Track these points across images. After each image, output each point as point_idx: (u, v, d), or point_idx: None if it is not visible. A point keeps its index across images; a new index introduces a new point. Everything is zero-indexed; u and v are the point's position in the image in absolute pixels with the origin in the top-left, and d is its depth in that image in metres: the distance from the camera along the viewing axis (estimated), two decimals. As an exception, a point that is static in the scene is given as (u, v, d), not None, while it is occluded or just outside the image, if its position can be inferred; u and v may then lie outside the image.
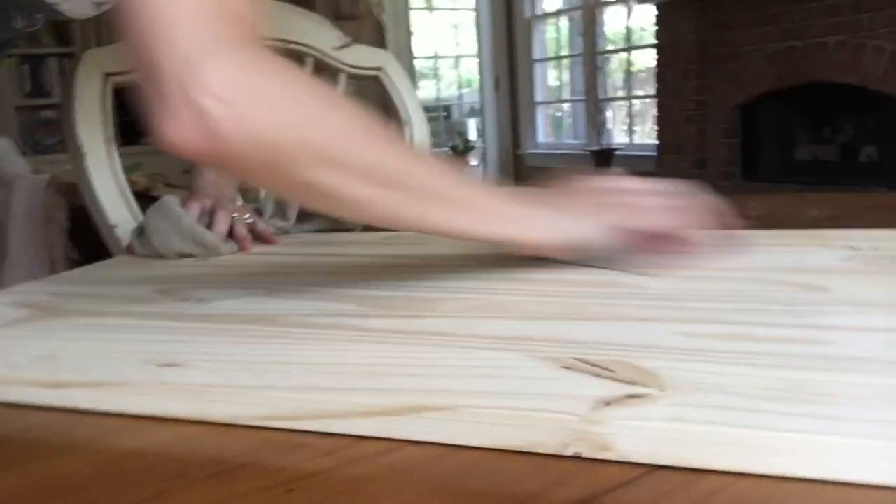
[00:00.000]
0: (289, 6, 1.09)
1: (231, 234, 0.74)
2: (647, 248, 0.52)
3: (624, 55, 4.83)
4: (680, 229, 0.53)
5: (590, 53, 4.91)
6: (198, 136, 0.42)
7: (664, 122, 4.17)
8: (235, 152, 0.43)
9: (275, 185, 0.48)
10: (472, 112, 5.74)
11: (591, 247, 0.52)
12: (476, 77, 5.63)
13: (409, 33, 5.17)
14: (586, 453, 0.29)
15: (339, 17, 4.48)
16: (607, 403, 0.30)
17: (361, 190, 0.46)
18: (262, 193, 0.95)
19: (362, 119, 0.48)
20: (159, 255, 0.71)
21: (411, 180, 0.49)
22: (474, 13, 5.49)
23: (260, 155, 0.44)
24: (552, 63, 5.43)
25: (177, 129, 0.42)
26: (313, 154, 0.45)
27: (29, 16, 0.66)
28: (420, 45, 5.32)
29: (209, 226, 0.73)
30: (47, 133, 4.52)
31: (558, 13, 5.29)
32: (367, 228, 0.84)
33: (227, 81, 0.42)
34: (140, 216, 0.89)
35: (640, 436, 0.29)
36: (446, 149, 5.13)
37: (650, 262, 0.52)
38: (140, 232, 0.73)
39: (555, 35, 5.36)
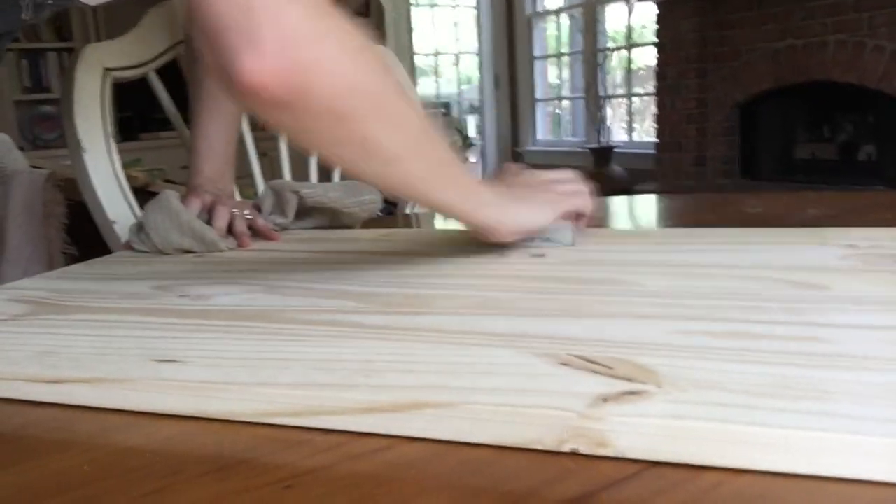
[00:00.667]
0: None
1: (230, 230, 0.74)
2: (573, 225, 0.64)
3: (624, 53, 4.83)
4: (586, 208, 0.65)
5: (590, 51, 4.91)
6: (278, 74, 0.42)
7: (664, 120, 4.17)
8: (313, 94, 0.44)
9: (329, 138, 0.48)
10: (472, 109, 5.74)
11: (543, 230, 0.62)
12: (476, 74, 5.63)
13: (409, 30, 5.17)
14: (584, 450, 0.29)
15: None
16: (605, 400, 0.30)
17: (403, 152, 0.51)
18: (261, 189, 0.95)
19: (402, 88, 0.51)
20: (158, 251, 0.71)
21: (435, 152, 0.54)
22: (475, 10, 5.49)
23: (333, 101, 0.46)
24: (552, 60, 5.43)
25: (258, 66, 0.42)
26: (380, 108, 0.48)
27: (38, 5, 0.66)
28: (420, 42, 5.32)
29: (208, 222, 0.73)
30: (46, 128, 4.52)
31: (559, 11, 5.28)
32: (366, 225, 0.84)
33: (308, 26, 0.44)
34: (139, 212, 0.89)
35: (638, 432, 0.29)
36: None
37: (574, 235, 0.63)
38: (139, 228, 0.72)
39: (555, 32, 5.36)
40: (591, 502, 0.26)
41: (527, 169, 0.67)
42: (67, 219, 1.29)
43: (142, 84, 1.00)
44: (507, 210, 0.60)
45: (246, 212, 0.77)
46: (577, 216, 0.65)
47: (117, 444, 0.33)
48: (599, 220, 0.64)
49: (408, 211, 1.15)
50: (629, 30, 4.73)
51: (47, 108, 4.50)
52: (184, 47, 0.97)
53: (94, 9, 4.41)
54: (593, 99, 4.90)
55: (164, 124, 1.11)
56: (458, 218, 0.58)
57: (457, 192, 0.56)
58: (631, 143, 4.77)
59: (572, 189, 0.65)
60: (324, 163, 0.55)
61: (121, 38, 0.97)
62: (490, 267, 0.57)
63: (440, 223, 0.90)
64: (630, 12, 4.64)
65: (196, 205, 0.75)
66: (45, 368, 0.39)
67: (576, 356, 0.36)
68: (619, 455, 0.29)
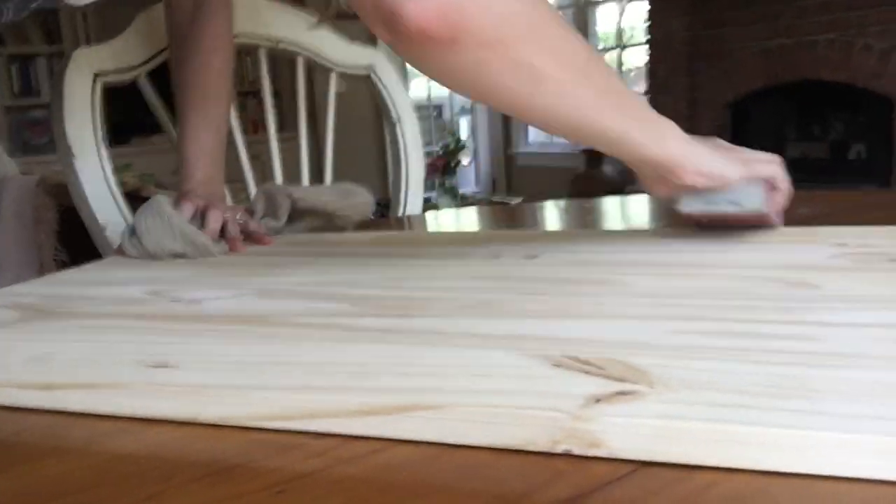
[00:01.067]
0: (278, 4, 1.09)
1: (223, 234, 0.74)
2: (768, 195, 0.59)
3: (615, 53, 4.84)
4: (782, 183, 0.61)
5: (581, 52, 4.92)
6: (439, 12, 0.44)
7: (655, 119, 4.18)
8: (473, 26, 0.45)
9: (496, 69, 0.48)
10: (464, 111, 5.75)
11: (732, 187, 0.58)
12: (468, 76, 5.62)
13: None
14: (577, 450, 0.29)
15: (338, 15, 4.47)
16: (598, 401, 0.30)
17: (571, 77, 0.50)
18: (253, 193, 0.95)
19: (559, 15, 0.52)
20: (150, 256, 0.71)
21: (605, 79, 0.53)
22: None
23: (495, 29, 0.46)
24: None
25: (420, 8, 0.44)
26: (541, 33, 0.48)
27: (21, 6, 0.66)
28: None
29: (201, 226, 0.73)
30: (37, 133, 4.50)
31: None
32: (359, 228, 0.84)
33: None
34: (130, 217, 0.88)
35: (631, 433, 0.29)
36: (437, 148, 5.12)
37: (767, 206, 0.58)
38: (131, 232, 0.72)
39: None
40: (584, 503, 0.26)
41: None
42: (58, 224, 1.28)
43: (132, 88, 1.00)
44: (695, 150, 0.57)
45: (238, 216, 0.76)
46: (771, 187, 0.61)
47: (110, 450, 0.33)
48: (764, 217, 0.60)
49: (400, 214, 1.15)
50: (620, 30, 4.74)
51: (37, 113, 4.48)
52: (169, 52, 0.97)
53: (84, 13, 4.40)
54: (585, 100, 4.90)
55: (155, 129, 1.11)
56: (637, 154, 0.55)
57: (636, 121, 0.54)
58: (623, 143, 4.77)
59: (770, 162, 0.62)
60: (492, 105, 0.54)
61: (111, 42, 0.96)
62: (483, 268, 0.58)
63: (433, 225, 0.90)
64: (621, 13, 4.65)
65: (188, 209, 0.75)
66: (38, 374, 0.39)
67: (568, 357, 0.36)
68: (612, 455, 0.29)
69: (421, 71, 0.49)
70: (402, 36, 0.45)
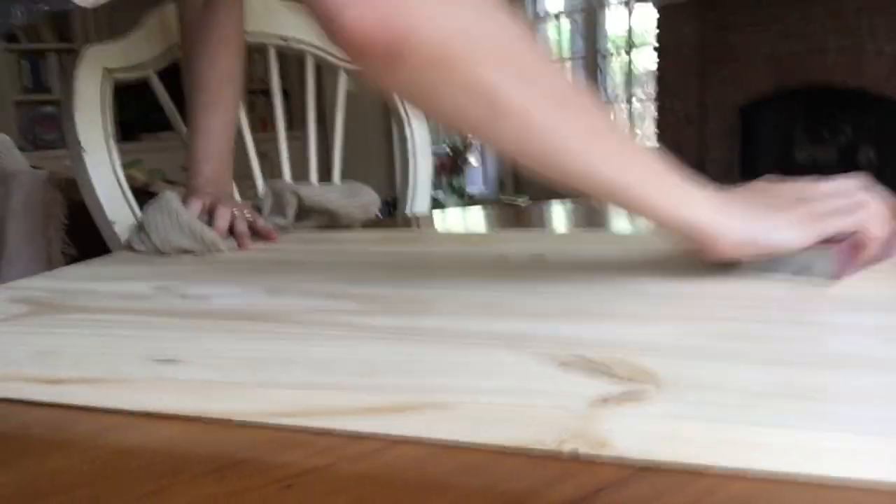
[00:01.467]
0: (288, 3, 1.09)
1: (231, 231, 0.74)
2: (853, 257, 0.47)
3: (624, 57, 4.83)
4: (871, 231, 0.48)
5: (590, 55, 4.91)
6: (381, 22, 0.40)
7: (664, 123, 4.18)
8: (413, 43, 0.41)
9: (448, 95, 0.43)
10: (472, 111, 5.74)
11: (790, 252, 0.46)
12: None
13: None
14: (583, 451, 0.29)
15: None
16: (604, 401, 0.30)
17: (536, 106, 0.43)
18: (261, 190, 0.95)
19: (535, 40, 0.46)
20: (158, 252, 0.71)
21: (596, 119, 0.45)
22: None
23: (434, 47, 0.41)
24: (552, 63, 5.43)
25: (360, 16, 0.40)
26: (503, 55, 0.43)
27: (29, 8, 0.66)
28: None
29: (209, 223, 0.73)
30: (47, 129, 4.52)
31: (559, 14, 5.29)
32: (366, 226, 0.84)
33: None
34: (139, 213, 0.89)
35: (637, 434, 0.29)
36: (445, 147, 5.12)
37: (848, 271, 0.47)
38: (139, 228, 0.72)
39: (556, 36, 5.36)
40: (590, 503, 0.26)
41: (789, 180, 0.50)
42: (67, 219, 1.29)
43: (142, 85, 1.00)
44: (731, 214, 0.45)
45: (246, 212, 0.77)
46: (856, 245, 0.47)
47: (117, 445, 0.33)
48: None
49: (408, 213, 1.15)
50: (630, 33, 4.73)
51: (48, 109, 4.50)
52: (181, 49, 0.97)
53: (96, 10, 4.42)
54: (594, 102, 4.90)
55: (165, 125, 1.11)
56: (650, 214, 0.46)
57: (645, 176, 0.45)
58: (631, 145, 4.77)
59: (850, 205, 0.48)
60: (459, 131, 0.48)
61: (122, 40, 0.97)
62: (490, 269, 0.57)
63: (440, 224, 0.90)
64: (630, 16, 4.64)
65: (196, 206, 0.75)
66: (45, 368, 0.39)
67: (575, 357, 0.36)
68: (619, 456, 0.29)
69: (377, 86, 0.45)
70: (344, 47, 0.41)
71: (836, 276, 0.46)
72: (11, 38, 4.32)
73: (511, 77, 0.42)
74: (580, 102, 0.45)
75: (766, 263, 0.48)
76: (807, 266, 0.47)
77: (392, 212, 1.23)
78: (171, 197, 0.73)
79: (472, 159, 5.42)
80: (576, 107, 0.45)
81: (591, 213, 0.96)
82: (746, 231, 0.46)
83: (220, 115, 0.83)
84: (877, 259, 0.49)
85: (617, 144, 0.46)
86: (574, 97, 0.45)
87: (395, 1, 0.40)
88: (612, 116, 0.48)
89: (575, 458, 0.29)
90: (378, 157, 4.91)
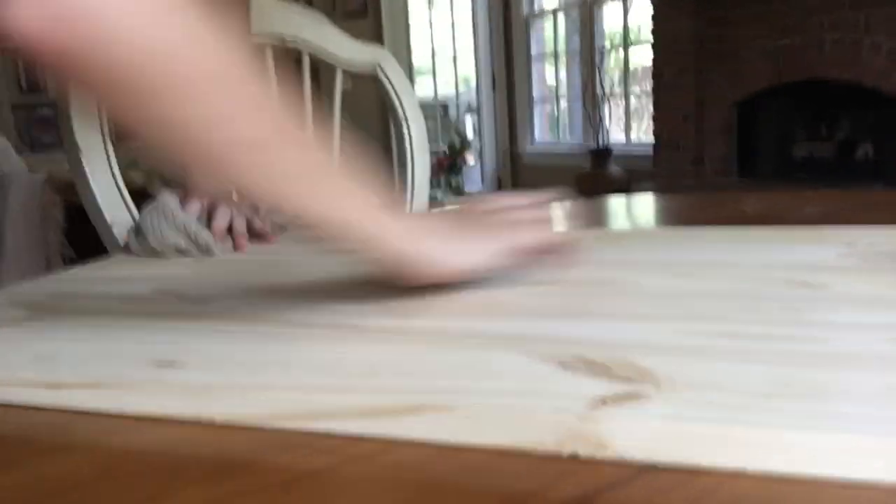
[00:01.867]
0: (284, 2, 1.09)
1: (229, 231, 0.74)
2: (532, 262, 0.53)
3: (621, 52, 4.83)
4: (550, 240, 0.54)
5: (587, 51, 4.91)
6: (43, 23, 0.36)
7: (661, 119, 4.18)
8: (77, 44, 0.37)
9: (125, 109, 0.41)
10: (470, 109, 5.74)
11: (483, 270, 0.51)
12: (473, 75, 5.62)
13: (407, 30, 5.17)
14: (583, 452, 0.29)
15: (338, 13, 4.48)
16: (604, 402, 0.30)
17: (214, 140, 0.41)
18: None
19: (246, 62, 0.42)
20: (156, 254, 0.71)
21: (298, 147, 0.44)
22: (472, 10, 5.49)
23: (119, 63, 0.38)
24: (549, 60, 5.43)
25: (23, 11, 0.36)
26: (193, 77, 0.40)
27: None
28: (418, 43, 5.32)
29: (208, 223, 0.73)
30: (44, 131, 4.51)
31: (555, 10, 5.28)
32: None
33: None
34: (137, 214, 0.88)
35: (637, 434, 0.29)
36: (443, 146, 5.12)
37: (535, 274, 0.53)
38: (137, 230, 0.72)
39: (552, 33, 5.36)
40: (591, 504, 0.26)
41: (483, 200, 0.56)
42: (65, 221, 1.29)
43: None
44: (425, 242, 0.48)
45: (245, 212, 0.76)
46: (543, 251, 0.54)
47: (116, 448, 0.33)
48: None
49: (405, 211, 1.15)
50: (626, 29, 4.73)
51: (45, 111, 4.49)
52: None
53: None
54: (591, 99, 4.90)
55: (162, 126, 1.10)
56: (349, 246, 0.47)
57: (342, 207, 0.45)
58: (629, 142, 4.77)
59: (522, 219, 0.54)
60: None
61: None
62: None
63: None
64: (626, 11, 4.64)
65: (194, 207, 0.75)
66: (44, 372, 0.39)
67: (575, 358, 0.36)
68: (619, 457, 0.29)
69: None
70: (9, 37, 0.36)
71: (522, 281, 0.52)
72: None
73: (204, 104, 0.41)
74: (288, 130, 0.44)
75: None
76: (500, 279, 0.51)
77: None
78: (168, 198, 0.73)
79: (470, 159, 5.42)
80: (287, 136, 0.44)
81: (591, 212, 0.96)
82: (443, 258, 0.48)
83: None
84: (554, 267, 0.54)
85: (323, 176, 0.46)
86: (284, 125, 0.44)
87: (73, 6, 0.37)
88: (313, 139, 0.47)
89: (575, 459, 0.29)
90: (375, 157, 4.91)
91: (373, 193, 0.47)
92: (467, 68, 5.67)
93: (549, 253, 0.53)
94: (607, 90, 4.85)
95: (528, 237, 0.52)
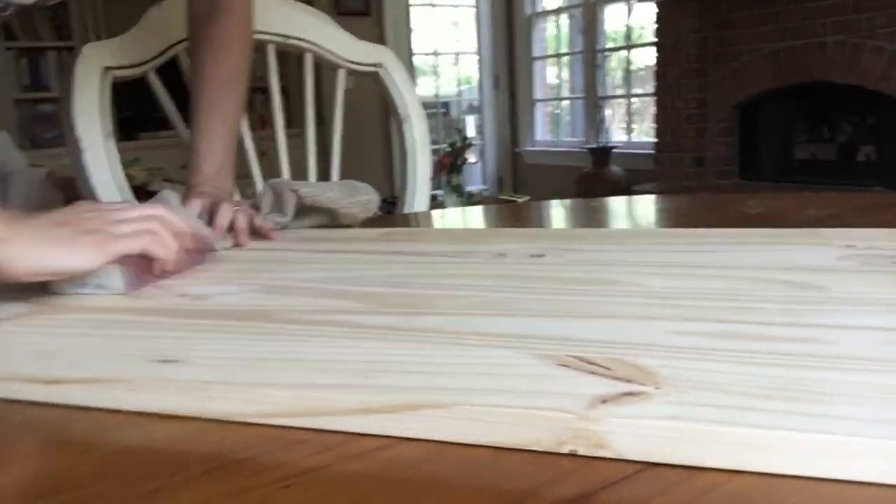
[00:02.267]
0: (290, 2, 1.09)
1: (230, 229, 0.74)
2: (144, 273, 0.56)
3: (623, 53, 4.83)
4: (155, 252, 0.55)
5: (590, 51, 4.91)
6: None
7: (663, 120, 4.17)
8: None
9: None
10: (471, 109, 5.74)
11: (83, 272, 0.52)
12: (475, 74, 5.62)
13: (408, 29, 5.17)
14: (582, 451, 0.29)
15: (340, 12, 4.48)
16: (603, 401, 0.30)
17: None
18: (260, 189, 0.95)
19: None
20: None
21: None
22: (474, 10, 5.48)
23: None
24: (552, 60, 5.43)
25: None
26: None
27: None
28: (420, 42, 5.32)
29: (209, 221, 0.73)
30: (46, 127, 4.51)
31: (558, 10, 5.28)
32: (365, 225, 0.84)
33: None
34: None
35: (636, 433, 0.29)
36: (445, 145, 5.12)
37: (127, 282, 0.54)
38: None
39: (555, 32, 5.36)
40: (589, 502, 0.26)
41: (97, 203, 0.57)
42: (66, 218, 1.28)
43: (141, 83, 1.00)
44: (22, 241, 0.50)
45: (246, 211, 0.76)
46: (149, 261, 0.56)
47: (115, 444, 0.33)
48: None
49: (407, 211, 1.15)
50: (629, 30, 4.73)
51: (47, 107, 4.49)
52: (186, 45, 0.97)
53: (94, 7, 4.41)
54: (592, 99, 4.90)
55: (164, 124, 1.11)
56: None
57: None
58: (630, 143, 4.77)
59: (137, 230, 0.55)
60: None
61: (120, 37, 0.97)
62: (489, 267, 0.57)
63: (440, 223, 0.90)
64: (630, 12, 4.63)
65: (196, 205, 0.75)
66: (44, 368, 0.39)
67: (574, 357, 0.36)
68: (618, 456, 0.29)
69: None
70: None
71: (129, 288, 0.54)
72: (10, 36, 4.31)
73: None
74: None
75: (64, 284, 0.54)
76: (101, 284, 0.54)
77: (391, 210, 1.23)
78: (169, 195, 0.73)
79: (471, 158, 5.42)
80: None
81: (590, 211, 0.96)
82: (39, 257, 0.50)
83: (224, 111, 0.83)
84: (175, 272, 0.59)
85: None
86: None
87: None
88: None
89: (574, 458, 0.29)
90: (377, 156, 4.91)
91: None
92: (469, 68, 5.67)
93: (152, 259, 0.55)
94: (609, 90, 4.84)
95: (130, 247, 0.53)
